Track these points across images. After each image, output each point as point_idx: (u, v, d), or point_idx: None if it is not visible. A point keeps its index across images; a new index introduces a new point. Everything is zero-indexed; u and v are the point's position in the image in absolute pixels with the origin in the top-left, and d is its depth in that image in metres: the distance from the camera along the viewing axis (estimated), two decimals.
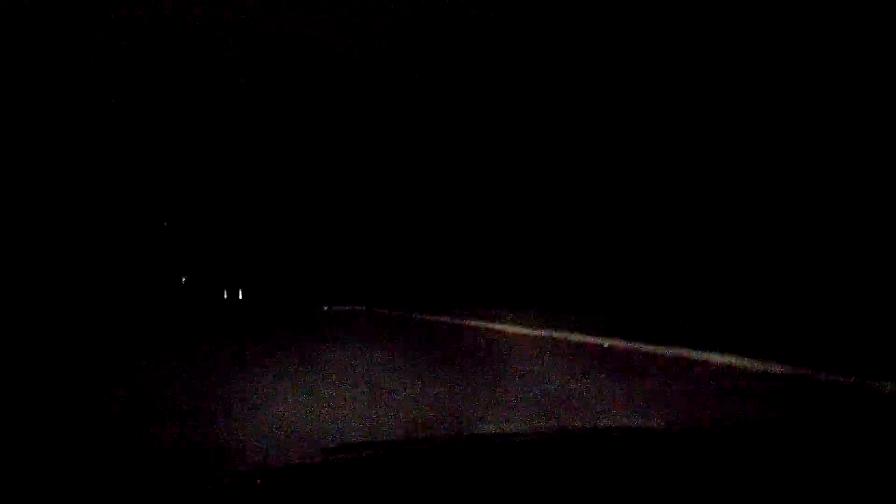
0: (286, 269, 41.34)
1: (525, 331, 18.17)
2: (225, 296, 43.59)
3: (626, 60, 16.21)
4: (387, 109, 26.15)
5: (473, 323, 21.68)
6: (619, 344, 13.88)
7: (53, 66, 26.73)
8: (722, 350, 11.38)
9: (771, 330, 11.57)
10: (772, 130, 13.46)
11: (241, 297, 43.50)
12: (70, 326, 22.40)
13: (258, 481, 1.44)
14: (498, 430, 6.33)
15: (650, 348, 12.97)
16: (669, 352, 12.42)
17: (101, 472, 5.17)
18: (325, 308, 35.75)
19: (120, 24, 26.49)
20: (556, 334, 16.46)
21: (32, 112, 28.59)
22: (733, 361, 10.90)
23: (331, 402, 7.99)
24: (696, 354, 11.79)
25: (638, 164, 16.56)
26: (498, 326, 19.93)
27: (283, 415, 7.19)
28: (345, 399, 8.15)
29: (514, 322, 19.69)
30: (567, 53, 18.34)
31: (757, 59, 13.73)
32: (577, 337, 15.54)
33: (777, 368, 10.09)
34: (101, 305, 31.69)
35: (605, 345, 14.16)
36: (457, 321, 22.80)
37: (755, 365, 10.48)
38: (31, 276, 32.50)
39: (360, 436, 6.07)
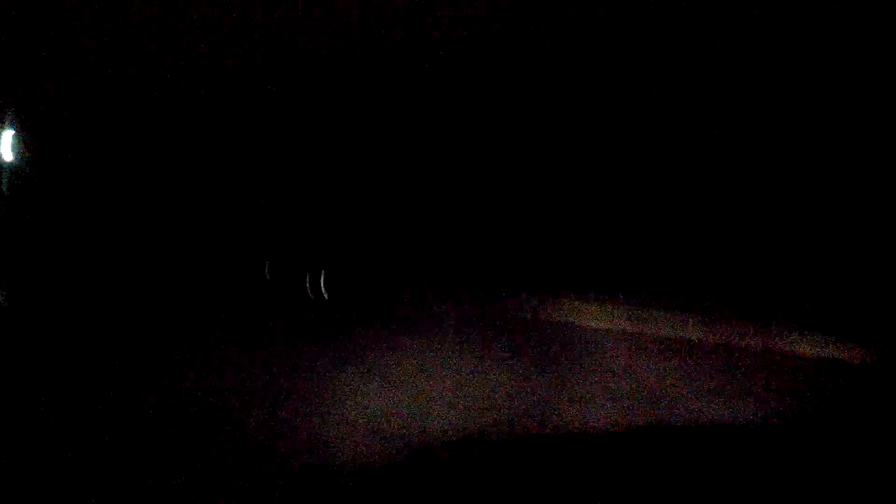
0: (364, 251, 42.05)
1: (609, 325, 17.92)
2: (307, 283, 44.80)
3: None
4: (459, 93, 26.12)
5: (553, 315, 21.52)
6: (710, 338, 13.54)
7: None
8: (820, 344, 10.95)
9: (873, 321, 11.02)
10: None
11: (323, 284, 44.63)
12: (157, 317, 23.41)
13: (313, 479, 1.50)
14: (584, 426, 6.32)
15: (742, 342, 12.59)
16: (762, 344, 12.03)
17: (184, 464, 5.42)
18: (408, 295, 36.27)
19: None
20: (643, 328, 16.18)
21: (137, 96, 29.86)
22: (833, 353, 10.48)
23: (415, 393, 8.11)
24: (789, 347, 11.38)
25: (738, 142, 15.97)
26: (580, 320, 19.73)
27: (366, 406, 7.36)
28: (429, 390, 8.27)
29: (599, 316, 19.45)
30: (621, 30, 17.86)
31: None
32: (665, 331, 15.23)
33: (878, 359, 9.64)
34: (185, 294, 32.83)
35: (695, 338, 13.83)
36: (535, 312, 22.68)
37: (851, 354, 10.05)
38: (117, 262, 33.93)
39: (445, 428, 6.16)
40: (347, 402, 7.59)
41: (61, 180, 29.30)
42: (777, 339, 11.71)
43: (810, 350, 10.86)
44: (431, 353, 12.28)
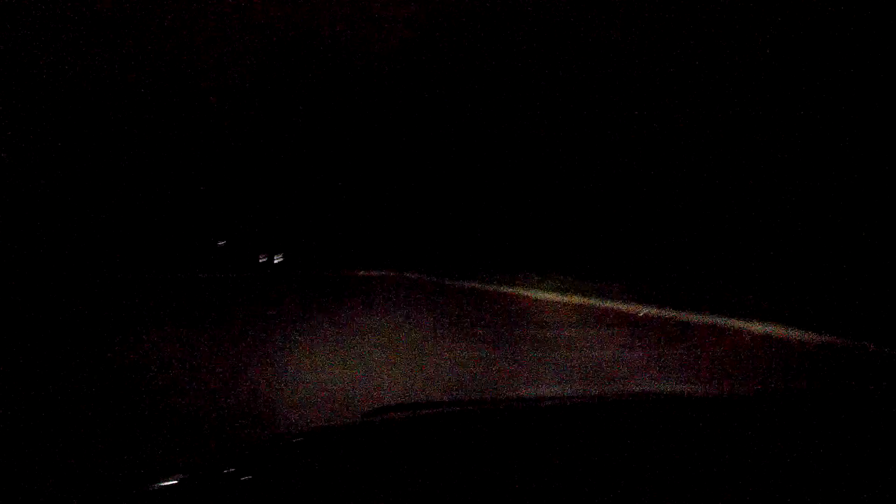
0: (320, 235, 41.72)
1: (556, 297, 18.15)
2: (261, 260, 44.25)
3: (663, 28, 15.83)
4: (415, 81, 26.01)
5: (504, 289, 21.72)
6: (654, 311, 13.80)
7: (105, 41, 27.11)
8: (758, 318, 11.25)
9: (809, 299, 11.39)
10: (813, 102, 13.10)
11: (276, 261, 44.12)
12: (107, 289, 22.95)
13: (298, 443, 1.47)
14: (531, 395, 6.39)
15: (685, 316, 12.87)
16: (704, 320, 12.31)
17: (135, 439, 5.33)
18: (359, 273, 36.09)
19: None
20: (588, 301, 16.41)
21: (85, 79, 29.03)
22: (769, 330, 10.78)
23: (366, 365, 8.12)
24: (730, 323, 11.68)
25: (673, 124, 16.24)
26: (530, 293, 19.93)
27: (321, 379, 7.34)
28: (380, 362, 8.28)
29: (545, 289, 19.68)
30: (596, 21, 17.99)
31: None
32: (610, 304, 15.48)
33: (814, 338, 9.96)
34: (137, 268, 32.39)
35: (640, 313, 14.09)
36: (487, 287, 22.86)
37: (791, 334, 10.35)
38: (72, 235, 33.32)
39: (396, 399, 6.18)
40: (303, 374, 7.56)
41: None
42: (725, 315, 12.01)
43: (753, 326, 11.17)
44: (385, 327, 12.31)
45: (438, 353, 9.03)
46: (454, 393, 6.55)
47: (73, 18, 25.87)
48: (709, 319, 12.21)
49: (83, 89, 29.01)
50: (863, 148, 12.39)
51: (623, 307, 14.92)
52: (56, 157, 32.47)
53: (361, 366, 8.07)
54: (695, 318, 12.59)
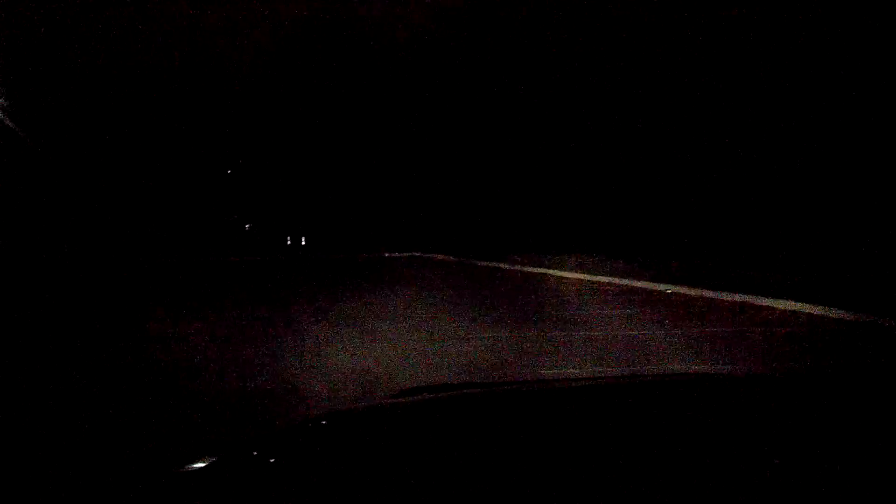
0: (346, 218, 41.86)
1: (584, 276, 18.06)
2: (288, 242, 44.57)
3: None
4: (441, 69, 25.90)
5: (531, 269, 21.65)
6: (683, 290, 13.69)
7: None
8: (786, 297, 11.11)
9: (836, 276, 11.21)
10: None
11: (303, 243, 44.41)
12: (139, 271, 23.29)
13: (325, 426, 1.49)
14: (558, 376, 6.39)
15: (712, 294, 12.75)
16: (732, 298, 12.19)
17: (166, 422, 5.43)
18: (385, 254, 36.24)
19: None
20: (618, 280, 16.32)
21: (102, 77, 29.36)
22: (798, 307, 10.64)
23: (393, 345, 8.17)
24: (758, 300, 11.54)
25: (707, 109, 15.99)
26: (557, 272, 19.85)
27: (347, 360, 7.40)
28: (406, 342, 8.33)
29: (573, 268, 19.58)
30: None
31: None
32: (639, 283, 15.38)
33: (842, 315, 9.81)
34: (167, 252, 32.85)
35: (669, 291, 13.98)
36: (514, 267, 22.81)
37: (820, 311, 10.21)
38: (100, 217, 33.89)
39: (423, 380, 6.22)
40: (329, 355, 7.63)
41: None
42: (752, 293, 11.87)
43: (782, 304, 11.03)
44: (410, 307, 12.36)
45: (465, 333, 9.06)
46: (481, 374, 6.57)
47: (84, 8, 26.14)
48: (737, 298, 12.09)
49: (112, 79, 29.37)
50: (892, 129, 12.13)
51: (651, 286, 14.82)
52: (96, 145, 33.02)
53: (387, 346, 8.12)
54: (722, 296, 12.47)
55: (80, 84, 29.15)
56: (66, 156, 31.77)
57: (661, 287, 14.38)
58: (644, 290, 14.62)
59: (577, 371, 6.60)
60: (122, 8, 27.07)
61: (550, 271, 20.31)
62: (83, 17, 26.26)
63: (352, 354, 7.61)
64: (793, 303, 10.86)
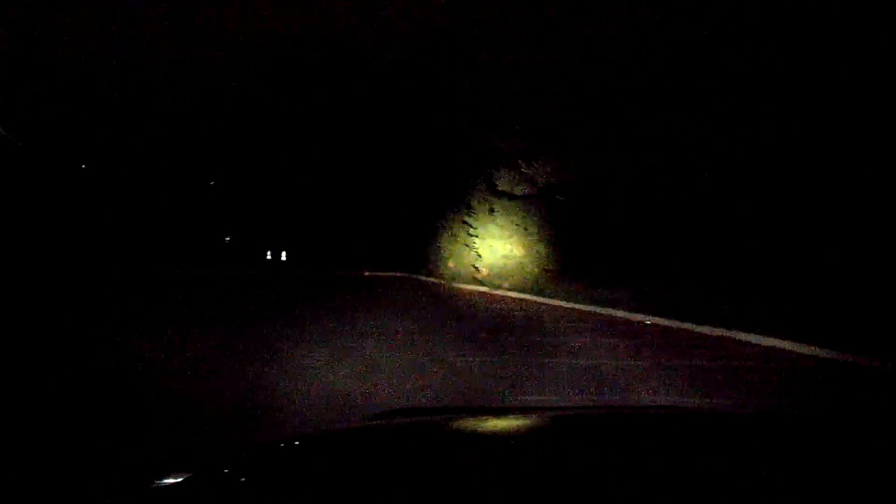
0: (328, 234, 41.70)
1: (567, 305, 18.10)
2: (268, 256, 44.31)
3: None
4: (427, 81, 26.01)
5: (511, 294, 21.68)
6: (661, 321, 13.75)
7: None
8: (766, 332, 11.20)
9: (817, 314, 11.32)
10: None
11: (282, 259, 44.16)
12: (113, 283, 23.02)
13: (299, 446, 1.47)
14: (534, 404, 6.36)
15: (692, 326, 12.82)
16: (711, 331, 12.26)
17: (134, 438, 5.33)
18: (366, 273, 36.13)
19: None
20: (598, 310, 16.36)
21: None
22: (777, 344, 10.73)
23: (370, 367, 8.10)
24: (737, 335, 11.62)
25: (684, 133, 16.14)
26: (536, 298, 19.90)
27: (323, 381, 7.33)
28: (383, 364, 8.26)
29: (552, 295, 19.64)
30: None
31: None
32: (619, 313, 15.43)
33: (819, 352, 9.91)
34: (142, 263, 32.53)
35: (648, 322, 14.03)
36: (495, 291, 22.81)
37: (799, 348, 10.30)
38: (73, 226, 33.47)
39: (399, 403, 6.16)
40: (305, 375, 7.55)
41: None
42: (733, 327, 11.95)
43: (762, 339, 11.12)
44: (389, 328, 12.29)
45: (442, 356, 9.01)
46: (457, 398, 6.53)
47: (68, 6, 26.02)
48: (716, 331, 12.16)
49: (86, 82, 29.13)
50: (865, 164, 12.31)
51: (630, 316, 14.87)
52: (60, 152, 32.66)
53: (365, 368, 8.05)
54: (702, 329, 12.54)
55: (55, 88, 28.95)
56: (39, 161, 31.43)
57: (641, 318, 14.44)
58: (624, 319, 14.67)
59: (555, 397, 6.57)
60: (101, 14, 26.96)
61: (532, 297, 20.36)
62: (51, 19, 26.15)
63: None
64: (773, 339, 10.95)
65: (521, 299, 20.34)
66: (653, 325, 13.64)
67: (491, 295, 22.33)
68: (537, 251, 23.23)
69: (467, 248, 26.39)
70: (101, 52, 27.79)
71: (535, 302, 19.43)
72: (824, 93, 13.01)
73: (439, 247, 29.29)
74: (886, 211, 11.99)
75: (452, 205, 27.31)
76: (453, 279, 27.31)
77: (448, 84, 24.10)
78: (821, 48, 12.96)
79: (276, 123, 34.31)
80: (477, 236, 25.32)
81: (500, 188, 24.06)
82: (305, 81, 30.92)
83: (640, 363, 8.85)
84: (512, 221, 23.72)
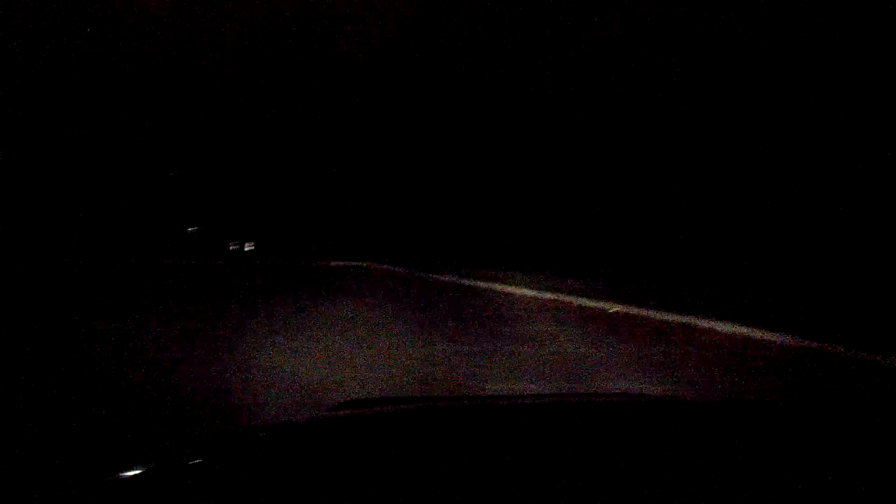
0: (295, 224, 41.37)
1: (531, 293, 18.21)
2: (231, 248, 43.79)
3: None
4: (396, 78, 25.91)
5: (478, 283, 21.74)
6: (626, 309, 13.90)
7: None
8: (729, 319, 11.38)
9: (780, 301, 11.55)
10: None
11: (247, 249, 43.72)
12: (76, 274, 22.55)
13: (261, 438, 1.45)
14: (503, 392, 6.39)
15: (659, 314, 12.98)
16: (676, 319, 12.43)
17: (97, 430, 5.22)
18: (332, 263, 35.93)
19: None
20: (562, 297, 16.49)
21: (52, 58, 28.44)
22: (740, 331, 10.90)
23: (334, 358, 8.05)
24: (703, 323, 11.79)
25: (656, 124, 16.32)
26: (503, 288, 19.98)
27: (287, 372, 7.26)
28: (348, 355, 8.22)
29: (519, 284, 19.74)
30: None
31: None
32: (583, 301, 15.57)
33: (784, 340, 10.10)
34: (108, 255, 31.93)
35: (611, 310, 14.18)
36: (461, 281, 22.87)
37: (762, 335, 10.48)
38: (39, 219, 32.74)
39: (364, 393, 6.14)
40: (269, 366, 7.47)
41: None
42: (698, 315, 12.12)
43: (725, 326, 11.29)
44: (355, 319, 12.24)
45: (409, 346, 8.99)
46: (423, 388, 6.52)
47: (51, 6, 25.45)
48: (682, 319, 12.33)
49: (54, 76, 28.48)
50: (842, 155, 12.57)
51: (596, 304, 15.02)
52: (26, 145, 31.91)
53: (329, 358, 8.00)
54: (669, 317, 12.70)
55: (12, 75, 28.23)
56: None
57: (606, 305, 14.59)
58: (591, 308, 14.81)
59: (522, 386, 6.60)
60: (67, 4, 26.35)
61: (498, 286, 20.44)
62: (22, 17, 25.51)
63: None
64: (735, 325, 11.13)
65: (488, 288, 20.39)
66: (617, 313, 13.80)
67: (458, 283, 22.36)
68: None
69: None
70: (59, 40, 27.16)
71: (502, 292, 19.50)
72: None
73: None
74: (849, 204, 12.28)
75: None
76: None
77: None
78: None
79: (244, 113, 33.91)
80: None
81: None
82: (272, 70, 30.60)
83: (608, 351, 8.94)
84: None
